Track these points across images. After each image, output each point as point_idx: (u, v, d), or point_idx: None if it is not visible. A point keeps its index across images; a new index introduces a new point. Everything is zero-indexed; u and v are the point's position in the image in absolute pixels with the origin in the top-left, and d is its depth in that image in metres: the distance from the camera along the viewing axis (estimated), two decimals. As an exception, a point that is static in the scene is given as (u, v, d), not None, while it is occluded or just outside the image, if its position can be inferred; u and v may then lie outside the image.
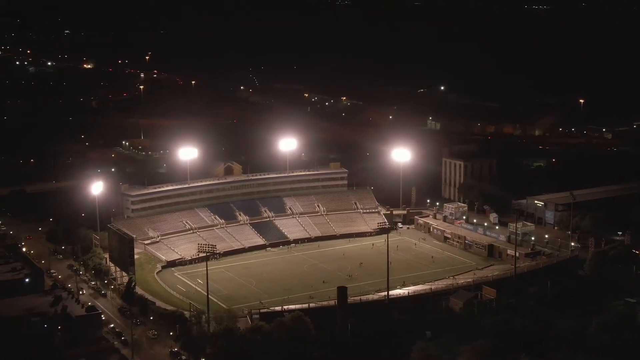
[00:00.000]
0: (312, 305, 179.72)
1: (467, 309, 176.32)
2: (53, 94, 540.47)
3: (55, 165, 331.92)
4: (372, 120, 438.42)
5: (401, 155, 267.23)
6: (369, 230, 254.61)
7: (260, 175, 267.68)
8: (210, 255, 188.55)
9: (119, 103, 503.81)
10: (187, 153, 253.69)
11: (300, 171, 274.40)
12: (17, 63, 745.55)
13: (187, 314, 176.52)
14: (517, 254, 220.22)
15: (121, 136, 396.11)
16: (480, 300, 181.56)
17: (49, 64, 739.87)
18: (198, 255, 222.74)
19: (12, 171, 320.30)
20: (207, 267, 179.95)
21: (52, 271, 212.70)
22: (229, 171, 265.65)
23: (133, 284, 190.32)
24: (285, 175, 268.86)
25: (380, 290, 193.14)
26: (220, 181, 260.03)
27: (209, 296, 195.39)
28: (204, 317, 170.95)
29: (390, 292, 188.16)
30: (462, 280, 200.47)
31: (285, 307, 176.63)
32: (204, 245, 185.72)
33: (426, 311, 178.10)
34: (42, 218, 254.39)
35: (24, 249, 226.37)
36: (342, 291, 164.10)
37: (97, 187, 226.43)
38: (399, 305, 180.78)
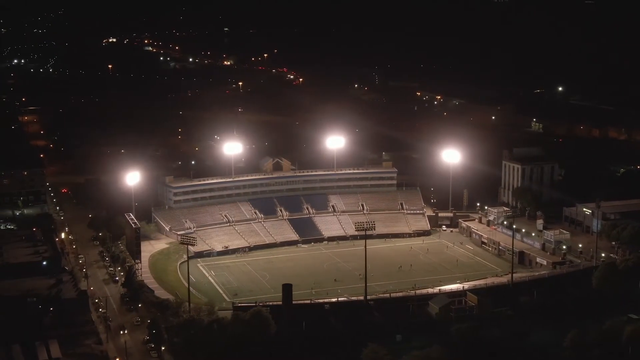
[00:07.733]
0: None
1: (442, 315, 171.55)
2: (177, 88, 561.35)
3: (142, 157, 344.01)
4: (472, 120, 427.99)
5: (451, 156, 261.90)
6: (409, 231, 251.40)
7: (306, 172, 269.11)
8: (190, 244, 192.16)
9: (225, 99, 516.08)
10: (232, 148, 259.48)
11: (347, 169, 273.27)
12: (161, 59, 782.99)
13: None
14: (545, 262, 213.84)
15: (216, 130, 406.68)
16: (458, 307, 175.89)
17: (190, 60, 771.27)
18: (227, 247, 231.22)
19: (96, 160, 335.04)
20: (187, 260, 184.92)
21: (80, 255, 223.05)
22: (277, 167, 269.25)
23: (134, 271, 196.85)
24: (332, 173, 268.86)
25: (386, 292, 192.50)
26: (265, 176, 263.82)
27: (217, 287, 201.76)
28: (183, 307, 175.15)
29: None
30: (466, 285, 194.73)
31: (261, 303, 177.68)
32: (186, 237, 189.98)
33: (405, 314, 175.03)
34: (98, 206, 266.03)
35: (62, 235, 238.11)
36: (286, 288, 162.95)
37: (133, 178, 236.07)
38: (382, 307, 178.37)
